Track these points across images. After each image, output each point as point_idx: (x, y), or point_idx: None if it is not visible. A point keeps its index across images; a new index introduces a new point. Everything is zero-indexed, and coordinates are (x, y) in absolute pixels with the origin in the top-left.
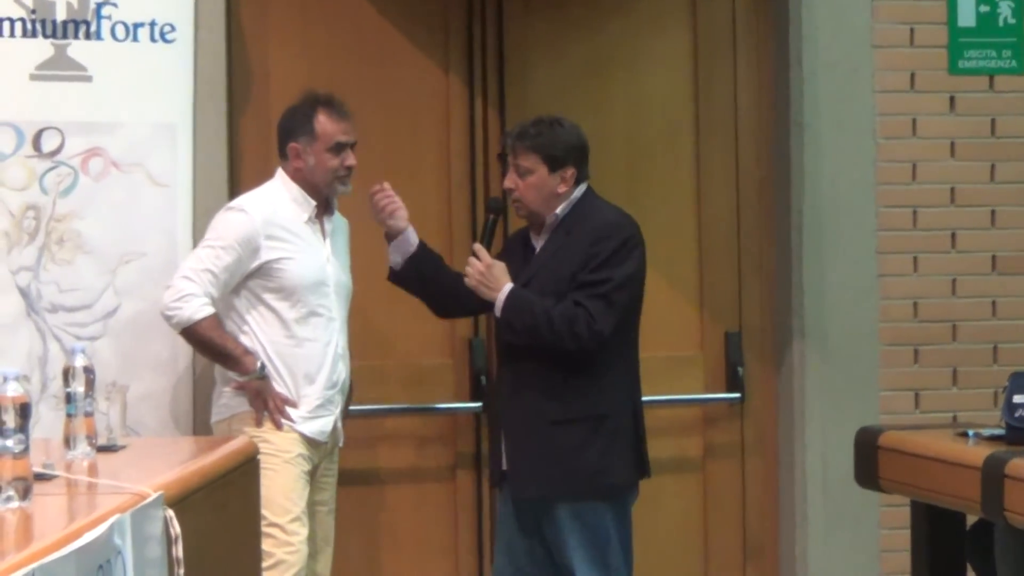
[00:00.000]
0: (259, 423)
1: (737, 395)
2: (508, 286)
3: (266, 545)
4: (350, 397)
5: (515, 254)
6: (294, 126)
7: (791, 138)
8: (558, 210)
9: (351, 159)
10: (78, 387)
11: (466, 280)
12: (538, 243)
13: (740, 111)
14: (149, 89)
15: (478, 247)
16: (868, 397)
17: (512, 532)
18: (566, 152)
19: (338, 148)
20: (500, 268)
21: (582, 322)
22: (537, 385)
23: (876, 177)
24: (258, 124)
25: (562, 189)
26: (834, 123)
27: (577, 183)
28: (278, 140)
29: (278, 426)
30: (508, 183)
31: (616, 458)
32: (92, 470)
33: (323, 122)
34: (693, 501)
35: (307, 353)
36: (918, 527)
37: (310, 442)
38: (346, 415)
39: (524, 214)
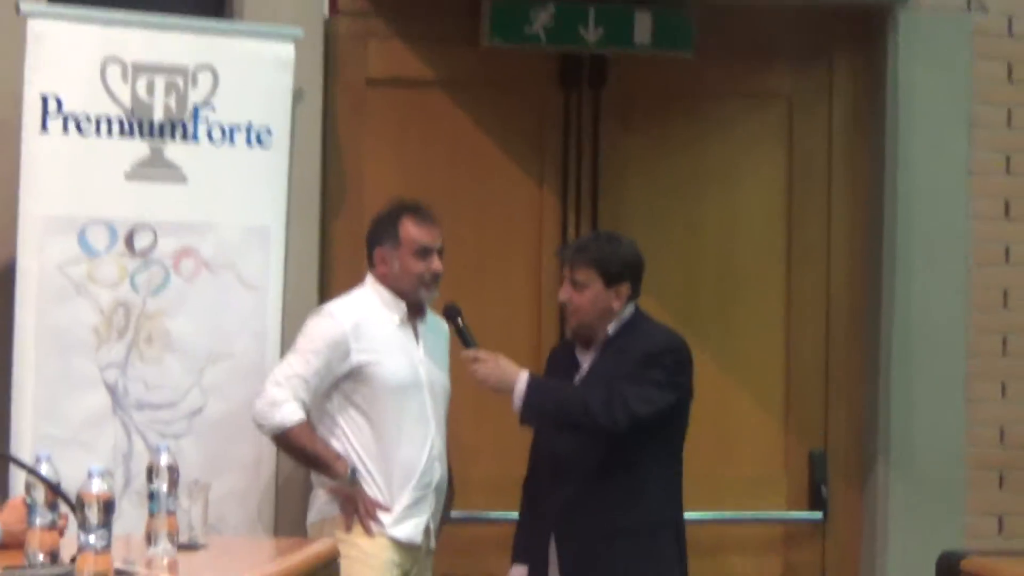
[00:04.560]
0: (348, 527)
1: (819, 514)
2: (524, 373)
3: None
4: (450, 503)
5: (558, 370)
6: (380, 232)
7: (883, 262)
8: (610, 328)
9: (437, 264)
10: (161, 485)
11: (483, 384)
12: (585, 359)
13: (833, 234)
14: (243, 191)
15: (470, 352)
16: (953, 521)
17: None
18: (623, 268)
19: (423, 253)
20: (505, 359)
21: (617, 400)
22: (589, 497)
23: (968, 302)
24: (350, 230)
25: (616, 305)
26: (927, 247)
27: (629, 300)
28: (367, 246)
29: (368, 531)
30: (563, 295)
31: (674, 569)
32: (172, 568)
33: (408, 228)
34: None
35: (401, 456)
36: None
37: (401, 546)
38: (445, 520)
39: (574, 326)
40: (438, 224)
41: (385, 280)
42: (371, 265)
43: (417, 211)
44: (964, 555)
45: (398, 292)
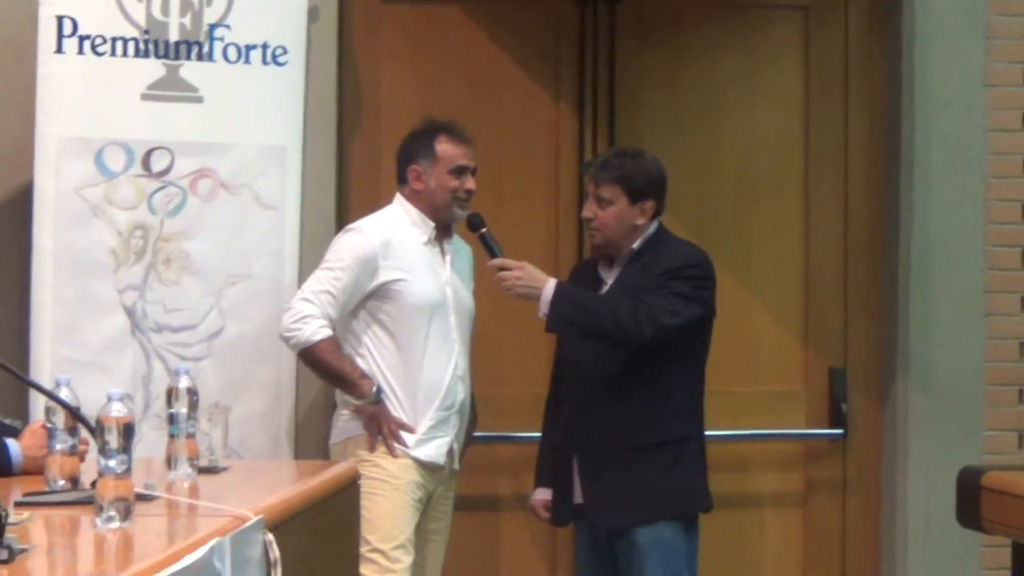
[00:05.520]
0: (372, 448)
1: (840, 431)
2: (551, 280)
3: (367, 570)
4: (473, 424)
5: (581, 285)
6: (415, 149)
7: (901, 175)
8: (635, 245)
9: (471, 183)
10: (181, 408)
11: (510, 292)
12: (608, 276)
13: (850, 147)
14: (259, 111)
15: (497, 261)
16: (972, 436)
17: (591, 567)
18: (647, 185)
19: (459, 171)
20: (532, 266)
21: (643, 311)
22: (613, 412)
23: (985, 216)
24: (367, 148)
25: (640, 221)
26: (944, 160)
27: (654, 217)
28: (398, 164)
29: (391, 451)
30: (587, 212)
31: (698, 483)
32: (193, 492)
33: (444, 145)
34: (793, 537)
35: (425, 376)
36: (1019, 569)
37: (425, 467)
38: (468, 442)
39: (599, 243)
40: (472, 143)
41: (417, 197)
42: (402, 182)
43: (452, 130)
44: (984, 470)
45: (429, 210)
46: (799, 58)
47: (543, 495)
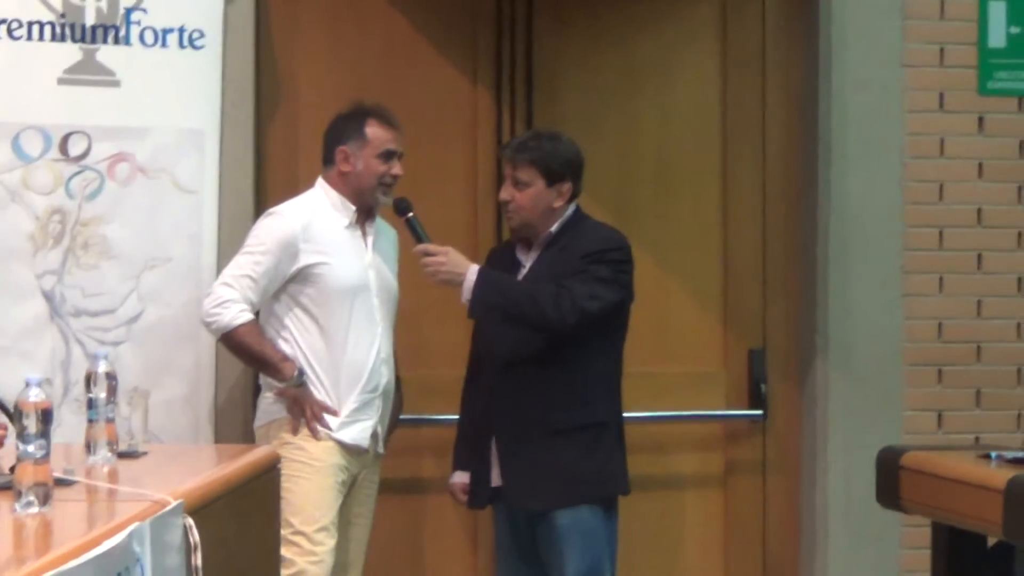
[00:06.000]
0: (295, 430)
1: (759, 412)
2: (474, 266)
3: (289, 553)
4: (399, 407)
5: (499, 270)
6: (345, 130)
7: (819, 156)
8: (552, 228)
9: (398, 168)
10: (100, 393)
11: (434, 278)
12: (527, 259)
13: (768, 128)
14: (177, 95)
15: (421, 246)
16: (891, 417)
17: (510, 549)
18: (564, 167)
19: (387, 155)
20: (455, 252)
21: (566, 297)
22: (532, 395)
23: (903, 196)
24: (285, 131)
25: (558, 204)
26: (862, 141)
27: (571, 200)
28: (324, 145)
29: (314, 434)
30: (504, 195)
31: (617, 466)
32: (112, 476)
33: (375, 128)
34: (714, 518)
35: (348, 359)
36: (939, 548)
37: (348, 450)
38: (395, 425)
39: (516, 225)
40: (401, 129)
41: (343, 179)
42: (328, 163)
43: (383, 114)
44: (904, 450)
45: (353, 193)
46: (716, 39)
47: (461, 478)
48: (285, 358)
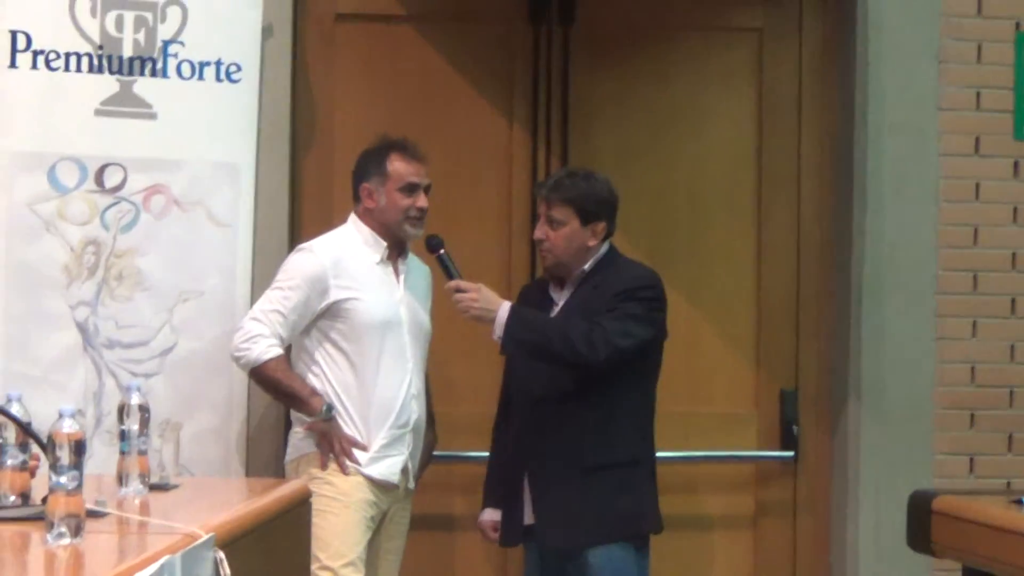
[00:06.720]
0: (324, 465)
1: (791, 453)
2: (505, 303)
3: None
4: (433, 444)
5: (532, 308)
6: (367, 167)
7: (853, 198)
8: (586, 266)
9: (423, 201)
10: (132, 425)
11: (466, 315)
12: (559, 297)
13: (803, 169)
14: (213, 128)
15: (453, 282)
16: (922, 460)
17: None
18: (599, 206)
19: (410, 189)
20: (487, 289)
21: (598, 333)
22: (564, 433)
23: (938, 240)
24: (320, 166)
25: (592, 243)
26: (897, 184)
27: (605, 238)
28: (352, 183)
29: (343, 469)
30: (539, 233)
31: (649, 504)
32: (144, 509)
33: (396, 163)
34: (744, 559)
35: (378, 394)
36: None
37: (377, 485)
38: (428, 461)
39: (550, 264)
40: (425, 161)
41: (370, 215)
42: (356, 200)
43: (404, 147)
44: (935, 494)
45: (382, 229)
46: (752, 81)
47: (491, 515)
48: (314, 393)
